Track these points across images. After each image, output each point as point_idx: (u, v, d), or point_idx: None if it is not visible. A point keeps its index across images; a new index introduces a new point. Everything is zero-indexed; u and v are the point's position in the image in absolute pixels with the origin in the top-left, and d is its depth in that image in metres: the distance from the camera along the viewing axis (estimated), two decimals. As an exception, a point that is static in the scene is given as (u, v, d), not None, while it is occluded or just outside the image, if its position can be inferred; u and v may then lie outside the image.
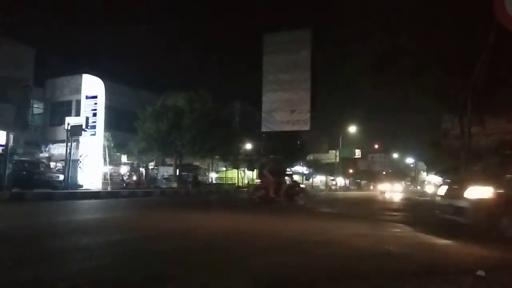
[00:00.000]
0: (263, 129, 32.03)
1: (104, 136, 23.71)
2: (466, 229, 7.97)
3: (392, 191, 37.04)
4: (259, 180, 15.10)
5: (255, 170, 45.25)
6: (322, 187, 57.81)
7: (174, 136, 27.89)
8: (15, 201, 14.08)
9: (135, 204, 15.18)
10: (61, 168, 23.21)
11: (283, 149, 40.33)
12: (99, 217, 10.27)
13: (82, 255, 4.92)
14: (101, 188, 22.01)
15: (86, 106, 23.76)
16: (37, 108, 29.62)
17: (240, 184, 41.65)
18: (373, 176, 69.09)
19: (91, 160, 22.84)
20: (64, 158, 21.17)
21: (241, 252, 5.19)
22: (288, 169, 14.54)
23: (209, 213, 12.00)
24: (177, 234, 6.75)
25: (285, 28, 31.20)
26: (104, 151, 23.21)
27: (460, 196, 7.83)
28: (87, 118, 21.84)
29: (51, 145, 27.93)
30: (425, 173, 66.36)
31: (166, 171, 33.80)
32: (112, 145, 25.28)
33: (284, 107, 30.32)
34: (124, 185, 26.27)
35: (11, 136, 17.89)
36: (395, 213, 12.65)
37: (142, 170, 32.88)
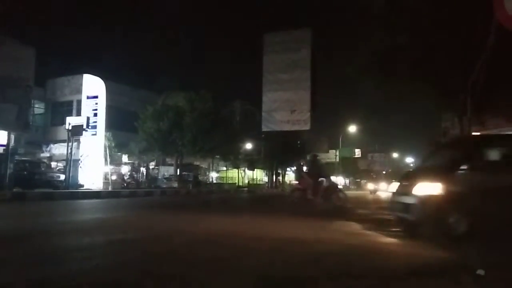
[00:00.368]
0: (263, 129, 32.05)
1: (105, 136, 23.76)
2: (414, 227, 7.76)
3: (381, 190, 37.03)
4: (297, 182, 15.58)
5: (255, 169, 45.53)
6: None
7: (175, 135, 27.94)
8: (16, 200, 14.13)
9: (135, 204, 15.18)
10: (62, 168, 23.26)
11: (283, 148, 40.51)
12: (99, 217, 10.30)
13: (82, 254, 4.96)
14: (102, 188, 22.06)
15: (87, 106, 23.82)
16: (38, 108, 29.66)
17: (240, 183, 41.71)
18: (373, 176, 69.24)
19: (92, 160, 22.89)
20: (65, 158, 21.23)
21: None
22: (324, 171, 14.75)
23: (212, 215, 12.02)
24: (173, 235, 6.78)
25: (285, 27, 31.23)
26: (105, 151, 23.27)
27: (409, 193, 7.63)
28: (88, 118, 21.89)
29: (52, 145, 27.99)
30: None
31: (167, 170, 33.86)
32: (113, 145, 25.35)
33: (284, 106, 30.33)
34: (125, 184, 26.32)
35: (12, 136, 17.94)
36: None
37: (143, 169, 32.93)
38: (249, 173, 44.94)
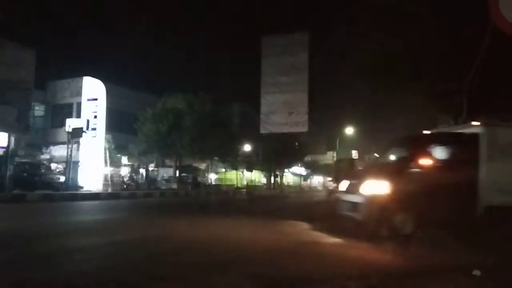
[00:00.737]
0: (262, 131, 32.15)
1: (104, 138, 23.84)
2: (361, 227, 7.55)
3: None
4: (335, 184, 15.61)
5: (254, 171, 45.55)
6: (320, 188, 58.16)
7: (174, 137, 28.02)
8: (16, 202, 14.19)
9: (131, 206, 15.25)
10: (62, 169, 23.33)
11: (281, 150, 40.62)
12: (99, 219, 10.41)
13: (80, 256, 5.07)
14: (101, 189, 22.14)
15: (87, 108, 23.90)
16: (38, 110, 29.69)
17: (239, 185, 41.78)
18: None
19: (92, 162, 22.95)
20: (65, 160, 21.30)
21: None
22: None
23: (203, 218, 12.09)
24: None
25: (283, 30, 31.40)
26: (105, 153, 23.34)
27: (357, 192, 7.45)
28: (88, 120, 22.02)
29: (52, 147, 28.02)
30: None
31: (166, 172, 33.91)
32: (112, 147, 25.43)
33: (282, 109, 30.46)
34: (125, 186, 26.39)
35: (12, 138, 17.97)
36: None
37: (142, 171, 32.97)
38: (247, 174, 45.00)
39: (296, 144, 46.04)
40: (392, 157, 8.66)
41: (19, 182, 17.75)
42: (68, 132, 20.60)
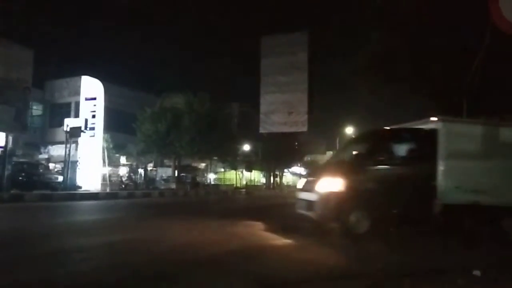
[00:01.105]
0: (261, 131, 32.12)
1: (103, 137, 23.75)
2: (315, 226, 7.39)
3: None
4: None
5: (253, 170, 45.50)
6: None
7: (173, 137, 27.96)
8: (14, 202, 14.13)
9: (131, 206, 15.20)
10: (60, 169, 23.24)
11: (281, 150, 40.56)
12: (98, 218, 10.37)
13: (80, 256, 5.03)
14: (100, 189, 22.07)
15: (85, 108, 23.78)
16: (36, 109, 29.61)
17: (238, 185, 41.75)
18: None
19: (90, 162, 22.87)
20: (63, 159, 21.23)
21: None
22: None
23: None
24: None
25: (283, 29, 31.37)
26: (103, 152, 23.26)
27: (312, 189, 7.24)
28: (86, 120, 21.91)
29: (50, 147, 27.95)
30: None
31: (165, 172, 33.88)
32: (111, 146, 25.35)
33: (282, 108, 30.43)
34: (123, 186, 26.33)
35: (10, 138, 17.90)
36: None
37: (141, 171, 32.93)
38: (246, 174, 44.96)
39: (296, 143, 46.00)
40: (350, 154, 8.44)
41: (17, 181, 17.72)
42: (66, 132, 20.51)
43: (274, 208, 14.19)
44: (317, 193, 7.05)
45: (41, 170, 20.97)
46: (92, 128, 22.64)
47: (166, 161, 34.22)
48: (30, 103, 22.23)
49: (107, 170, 24.03)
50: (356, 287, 4.13)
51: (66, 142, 20.53)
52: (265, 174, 48.63)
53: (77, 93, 25.77)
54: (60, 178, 20.23)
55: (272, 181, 47.76)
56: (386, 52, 13.24)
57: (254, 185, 44.26)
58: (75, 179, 21.73)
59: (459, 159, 7.46)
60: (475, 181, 7.51)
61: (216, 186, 38.27)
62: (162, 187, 29.13)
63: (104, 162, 23.41)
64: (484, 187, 7.46)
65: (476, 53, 10.83)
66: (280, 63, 30.16)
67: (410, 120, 8.69)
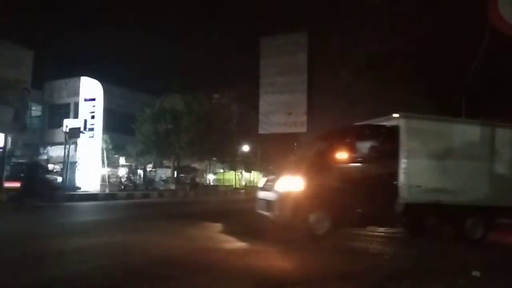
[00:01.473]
0: (260, 131, 32.11)
1: (102, 138, 23.72)
2: (275, 227, 7.05)
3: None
4: None
5: (252, 171, 45.48)
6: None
7: (172, 138, 27.93)
8: (13, 203, 14.06)
9: (129, 207, 15.18)
10: (59, 170, 23.20)
11: (280, 151, 40.50)
12: (97, 219, 10.35)
13: (77, 257, 5.04)
14: (99, 190, 22.04)
15: (84, 109, 23.76)
16: (35, 110, 29.53)
17: (237, 185, 41.71)
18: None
19: (89, 163, 22.84)
20: (62, 160, 21.20)
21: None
22: None
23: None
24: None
25: (282, 30, 31.33)
26: (102, 153, 23.23)
27: (272, 188, 6.93)
28: (85, 121, 21.91)
29: (49, 147, 27.88)
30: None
31: (164, 173, 33.82)
32: (110, 147, 25.30)
33: (281, 109, 30.44)
34: (122, 187, 26.29)
35: (9, 138, 17.91)
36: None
37: (140, 172, 32.87)
38: (246, 175, 44.91)
39: (295, 144, 45.95)
40: (313, 152, 8.15)
41: (16, 182, 17.62)
42: (66, 133, 20.50)
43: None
44: (276, 192, 6.74)
45: (40, 171, 20.90)
46: (91, 129, 22.62)
47: (165, 162, 34.17)
48: (29, 104, 22.23)
49: (106, 171, 23.99)
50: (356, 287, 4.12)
51: (65, 143, 20.52)
52: (264, 175, 48.63)
53: (76, 94, 25.73)
54: (59, 179, 20.19)
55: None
56: (385, 53, 13.27)
57: (253, 186, 44.20)
58: (74, 180, 21.70)
59: (421, 157, 7.20)
60: (438, 179, 7.27)
61: (215, 186, 38.22)
62: (162, 188, 29.09)
63: (103, 163, 23.38)
64: (447, 186, 7.23)
65: (475, 54, 10.84)
66: (279, 64, 30.16)
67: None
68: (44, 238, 6.46)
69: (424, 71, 13.00)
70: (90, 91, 24.16)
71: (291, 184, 6.56)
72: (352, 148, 6.96)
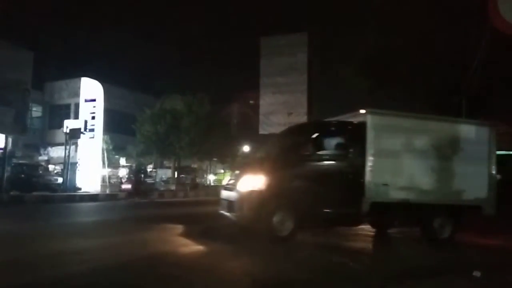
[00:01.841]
0: (261, 132, 32.21)
1: (102, 139, 23.73)
2: (237, 228, 6.80)
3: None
4: None
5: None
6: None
7: (172, 138, 27.92)
8: (14, 204, 14.12)
9: (129, 207, 15.16)
10: (60, 171, 23.21)
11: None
12: (99, 219, 10.35)
13: (79, 257, 5.03)
14: (99, 190, 22.04)
15: (84, 109, 23.74)
16: (36, 111, 29.58)
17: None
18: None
19: (89, 163, 22.84)
20: (62, 161, 21.21)
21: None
22: None
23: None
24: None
25: (282, 30, 31.38)
26: (103, 154, 23.24)
27: (234, 188, 6.60)
28: (85, 121, 21.90)
29: (50, 148, 27.90)
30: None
31: (165, 173, 33.83)
32: (110, 147, 25.32)
33: (281, 109, 30.55)
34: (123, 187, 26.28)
35: (10, 139, 17.89)
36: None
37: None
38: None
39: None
40: (277, 149, 7.87)
41: (17, 183, 17.64)
42: (66, 133, 20.50)
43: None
44: (237, 192, 6.44)
45: (40, 172, 20.97)
46: (92, 130, 22.61)
47: (165, 162, 34.20)
48: (30, 104, 22.21)
49: (106, 171, 24.00)
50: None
51: (65, 144, 20.52)
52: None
53: (77, 94, 25.72)
54: (60, 180, 20.23)
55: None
56: (385, 53, 13.26)
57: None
58: (74, 181, 21.70)
59: (388, 154, 6.99)
60: (405, 178, 7.09)
61: (215, 187, 38.22)
62: (162, 188, 29.10)
63: (103, 163, 23.38)
64: (415, 184, 7.06)
65: (475, 53, 10.83)
66: (279, 64, 30.24)
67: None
68: (49, 239, 6.50)
69: (424, 71, 12.99)
70: (91, 92, 24.15)
71: (254, 183, 6.27)
72: (317, 145, 6.69)
